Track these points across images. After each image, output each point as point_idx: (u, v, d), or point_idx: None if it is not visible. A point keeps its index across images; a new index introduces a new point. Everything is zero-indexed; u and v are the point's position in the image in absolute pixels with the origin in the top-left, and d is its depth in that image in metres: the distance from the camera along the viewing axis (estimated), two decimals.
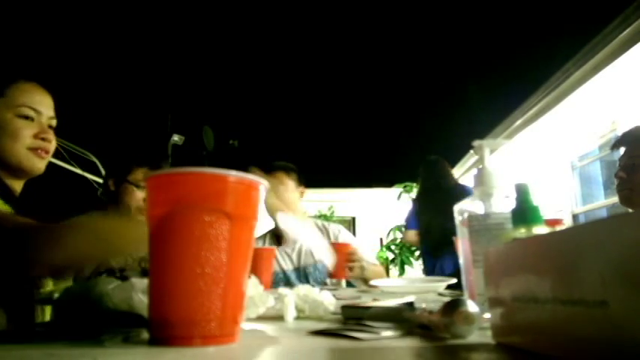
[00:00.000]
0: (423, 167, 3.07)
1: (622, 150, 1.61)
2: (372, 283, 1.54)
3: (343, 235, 1.96)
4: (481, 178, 0.66)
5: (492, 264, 0.48)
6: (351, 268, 1.68)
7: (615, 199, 1.92)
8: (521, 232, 0.50)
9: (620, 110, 4.07)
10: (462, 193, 2.54)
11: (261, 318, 0.69)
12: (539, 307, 0.38)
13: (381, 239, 8.39)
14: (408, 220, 3.23)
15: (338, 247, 1.70)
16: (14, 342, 0.54)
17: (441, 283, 1.38)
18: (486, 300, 0.48)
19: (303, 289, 0.78)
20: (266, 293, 0.71)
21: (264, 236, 2.01)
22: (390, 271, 7.53)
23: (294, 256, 1.91)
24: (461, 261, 0.68)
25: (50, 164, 1.11)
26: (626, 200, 1.57)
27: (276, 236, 1.97)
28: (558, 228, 0.53)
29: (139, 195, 1.59)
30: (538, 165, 5.56)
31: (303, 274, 1.88)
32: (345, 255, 1.69)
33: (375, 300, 0.87)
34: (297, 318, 0.72)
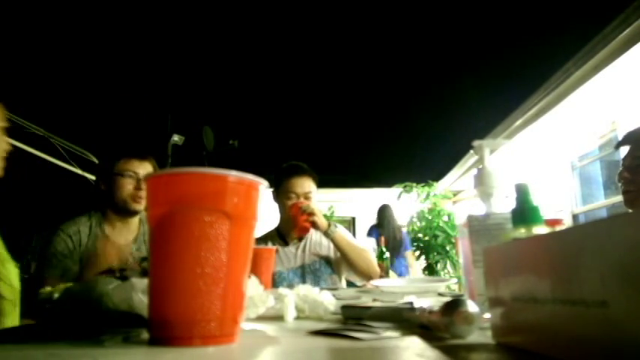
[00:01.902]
0: (381, 209, 5.00)
1: (624, 150, 1.58)
2: (372, 283, 1.54)
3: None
4: (481, 178, 0.66)
5: (492, 264, 0.48)
6: (310, 214, 1.75)
7: (615, 199, 1.91)
8: (521, 232, 0.50)
9: (620, 110, 4.07)
10: (399, 228, 4.90)
11: (261, 318, 0.69)
12: (539, 307, 0.37)
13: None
14: (369, 233, 5.06)
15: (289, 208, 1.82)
16: (14, 342, 0.54)
17: (441, 283, 1.38)
18: (486, 300, 0.48)
19: (303, 289, 0.78)
20: (266, 293, 0.71)
21: (268, 236, 1.99)
22: (390, 271, 7.52)
23: (299, 256, 1.90)
24: (461, 261, 0.68)
25: (50, 164, 1.12)
26: (630, 203, 1.51)
27: (281, 236, 1.96)
28: (558, 228, 0.53)
29: (128, 184, 1.62)
30: (538, 165, 5.56)
31: (309, 273, 1.87)
32: (297, 211, 1.78)
33: (375, 300, 0.87)
34: (297, 318, 0.72)
